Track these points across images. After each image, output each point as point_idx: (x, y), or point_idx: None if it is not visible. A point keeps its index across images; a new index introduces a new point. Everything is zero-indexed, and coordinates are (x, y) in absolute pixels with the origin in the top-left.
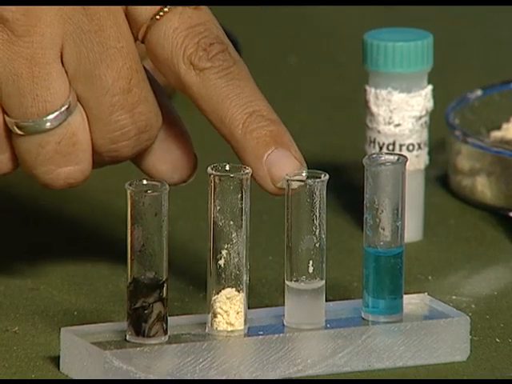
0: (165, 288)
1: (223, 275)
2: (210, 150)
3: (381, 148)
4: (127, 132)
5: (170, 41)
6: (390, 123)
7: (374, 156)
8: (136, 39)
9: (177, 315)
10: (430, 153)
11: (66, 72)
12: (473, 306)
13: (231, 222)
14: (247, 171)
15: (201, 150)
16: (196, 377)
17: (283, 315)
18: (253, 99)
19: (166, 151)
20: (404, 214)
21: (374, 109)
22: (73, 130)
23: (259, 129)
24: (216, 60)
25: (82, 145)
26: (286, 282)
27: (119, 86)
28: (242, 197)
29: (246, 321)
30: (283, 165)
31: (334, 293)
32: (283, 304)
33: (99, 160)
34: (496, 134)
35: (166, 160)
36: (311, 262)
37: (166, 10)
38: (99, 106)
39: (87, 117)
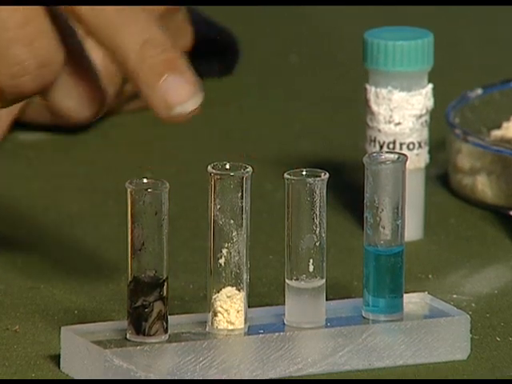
0: (165, 287)
1: (223, 274)
2: (210, 149)
3: (381, 147)
4: (27, 66)
5: None
6: (390, 122)
7: (375, 155)
8: None
9: (177, 314)
10: (430, 152)
11: None
12: (473, 304)
13: (231, 221)
14: (247, 170)
15: (200, 149)
16: (196, 376)
17: (283, 314)
18: (146, 27)
19: (71, 86)
20: (404, 213)
21: (374, 107)
22: None
23: (153, 57)
24: None
25: None
26: (287, 280)
27: (15, 20)
28: (242, 195)
29: (246, 319)
30: (177, 90)
31: (334, 291)
32: (283, 303)
33: (3, 98)
34: (496, 133)
35: (71, 95)
36: (311, 260)
37: None
38: None
39: None
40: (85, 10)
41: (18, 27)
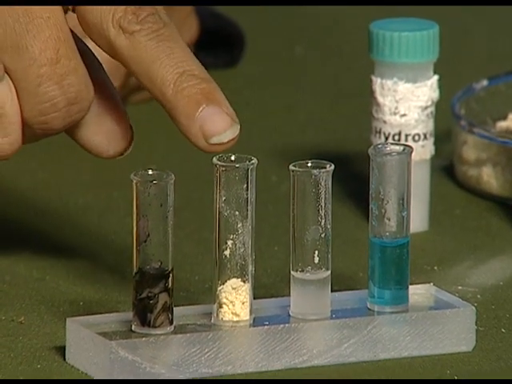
0: (170, 278)
1: (229, 265)
2: None
3: (386, 138)
4: (56, 103)
5: (99, 6)
6: (395, 113)
7: (380, 146)
8: (67, 9)
9: (182, 305)
10: (435, 143)
11: None
12: (478, 296)
13: (236, 213)
14: (253, 161)
15: None
16: (201, 367)
17: (289, 305)
18: (183, 59)
19: (99, 124)
20: (409, 205)
21: (379, 99)
22: (0, 102)
23: (190, 87)
24: (145, 22)
25: (9, 117)
26: (292, 272)
27: (46, 57)
28: (247, 187)
29: (251, 311)
30: (215, 121)
31: (339, 283)
32: (289, 294)
33: (30, 133)
34: (502, 124)
35: (100, 132)
36: (317, 252)
37: None
38: (27, 77)
39: (15, 88)
40: (121, 41)
41: (50, 64)
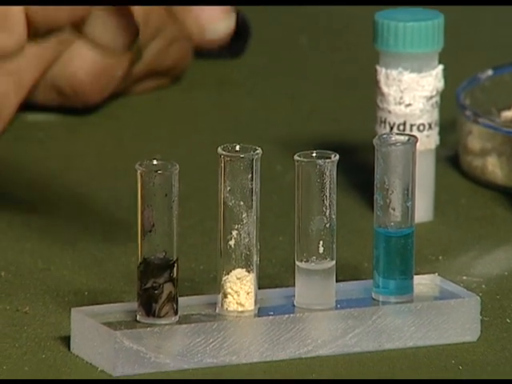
0: (175, 268)
1: (233, 256)
2: (220, 131)
3: (391, 128)
4: None
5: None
6: (400, 103)
7: (385, 136)
8: None
9: (187, 295)
10: (440, 133)
11: None
12: (483, 286)
13: (241, 203)
14: (257, 151)
15: (210, 131)
16: (206, 357)
17: (293, 296)
18: None
19: (105, 19)
20: (414, 195)
21: (384, 89)
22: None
23: None
24: None
25: (15, 14)
26: (297, 262)
27: None
28: (252, 177)
29: (256, 301)
30: (210, 10)
31: (344, 273)
32: (293, 284)
33: (36, 30)
34: (507, 114)
35: (106, 28)
36: (321, 242)
37: None
38: None
39: None
40: None
41: None
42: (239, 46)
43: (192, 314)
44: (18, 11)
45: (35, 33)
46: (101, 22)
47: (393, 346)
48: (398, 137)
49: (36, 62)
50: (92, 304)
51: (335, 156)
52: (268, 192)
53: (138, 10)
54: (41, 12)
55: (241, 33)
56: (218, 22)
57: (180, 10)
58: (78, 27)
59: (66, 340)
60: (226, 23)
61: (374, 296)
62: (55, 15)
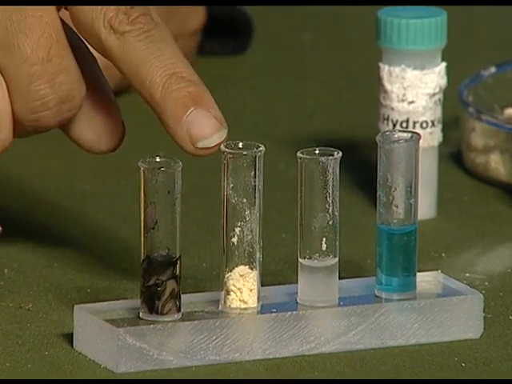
0: (178, 265)
1: (236, 253)
2: None
3: (394, 125)
4: (47, 102)
5: (90, 6)
6: (403, 100)
7: (388, 133)
8: (60, 8)
9: (190, 293)
10: (443, 130)
11: None
12: (486, 283)
13: (244, 200)
14: (260, 149)
15: None
16: (209, 354)
17: (296, 293)
18: (173, 61)
19: (91, 120)
20: (417, 192)
21: (387, 86)
22: None
23: (178, 90)
24: (136, 23)
25: (1, 114)
26: (300, 259)
27: (38, 56)
28: (255, 174)
29: (259, 298)
30: (202, 125)
31: (347, 270)
32: (296, 281)
33: (21, 129)
34: (510, 111)
35: (91, 128)
36: (324, 239)
37: None
38: (18, 75)
39: (7, 86)
40: (112, 41)
41: (41, 63)
42: (243, 43)
43: (195, 311)
44: (4, 112)
45: (21, 133)
46: (86, 122)
47: (396, 343)
48: (400, 134)
49: None
50: (95, 301)
51: (338, 153)
52: (271, 189)
53: None
54: (28, 116)
55: (244, 30)
56: (210, 136)
57: (171, 121)
58: (63, 128)
59: (69, 337)
60: (218, 136)
61: (376, 293)
62: (43, 120)
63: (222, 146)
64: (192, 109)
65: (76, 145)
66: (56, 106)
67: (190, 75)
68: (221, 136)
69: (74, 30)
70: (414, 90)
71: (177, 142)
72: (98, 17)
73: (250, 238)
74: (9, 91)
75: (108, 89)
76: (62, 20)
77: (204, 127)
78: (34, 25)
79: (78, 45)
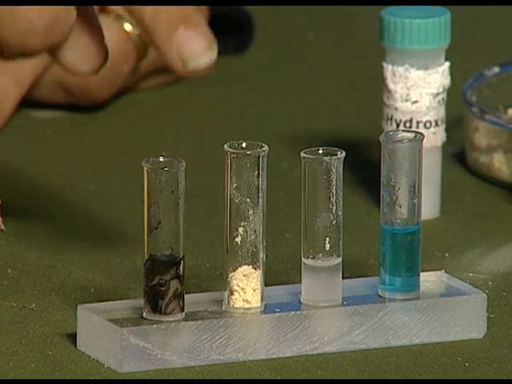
0: (181, 265)
1: (240, 252)
2: (226, 127)
3: (398, 125)
4: (35, 25)
5: None
6: (407, 100)
7: (391, 133)
8: None
9: (193, 292)
10: (446, 130)
11: None
12: (490, 283)
13: (248, 200)
14: (264, 148)
15: (216, 127)
16: (213, 354)
17: (300, 292)
18: None
19: (78, 43)
20: (421, 192)
21: (391, 86)
22: None
23: (168, 11)
24: None
25: None
26: (303, 259)
27: None
28: (258, 174)
29: (262, 298)
30: (192, 43)
31: (350, 270)
32: (300, 281)
33: (9, 53)
34: None
35: (78, 51)
36: (328, 239)
37: None
38: None
39: None
40: None
41: None
42: (244, 41)
43: (198, 311)
44: None
45: (8, 56)
46: (74, 46)
47: (399, 343)
48: (404, 134)
49: (36, 59)
50: (98, 301)
51: (341, 153)
52: (274, 189)
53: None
54: (14, 39)
55: (245, 28)
56: (200, 55)
57: (161, 41)
58: (52, 52)
59: (73, 337)
60: (208, 56)
61: (380, 293)
62: (31, 44)
63: (225, 145)
64: (181, 27)
65: (60, 67)
66: (44, 30)
67: (180, 4)
68: (211, 56)
69: None
70: (418, 89)
71: (168, 64)
72: None
73: (253, 237)
74: None
75: (93, 12)
76: None
77: (194, 46)
78: None
79: None
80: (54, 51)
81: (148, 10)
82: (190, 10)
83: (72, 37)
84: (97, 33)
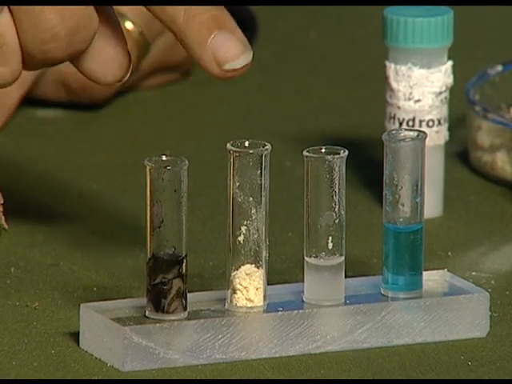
0: (184, 264)
1: (242, 251)
2: (229, 126)
3: (400, 124)
4: (57, 33)
5: None
6: (409, 99)
7: (394, 132)
8: None
9: (196, 291)
10: (449, 129)
11: None
12: (492, 282)
13: (250, 198)
14: (266, 147)
15: (219, 126)
16: (215, 353)
17: (302, 291)
18: None
19: (99, 51)
20: (424, 190)
21: (393, 84)
22: (0, 32)
23: (201, 14)
24: None
25: (10, 46)
26: (306, 258)
27: None
28: (261, 173)
29: (265, 297)
30: (228, 47)
31: (353, 269)
32: (302, 280)
33: (31, 62)
34: None
35: (98, 59)
36: (330, 238)
37: None
38: (28, 7)
39: (16, 18)
40: None
41: None
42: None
43: (201, 310)
44: (12, 43)
45: (30, 65)
46: (93, 54)
47: (402, 342)
48: (407, 132)
49: None
50: (101, 300)
51: (344, 152)
52: (277, 188)
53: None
54: (37, 47)
55: (248, 26)
56: (237, 58)
57: (196, 45)
58: (74, 61)
59: (75, 336)
60: (245, 58)
61: (383, 292)
62: (53, 52)
63: (228, 144)
64: (216, 32)
65: (83, 75)
66: (66, 37)
67: (210, 4)
68: (247, 57)
69: None
70: (421, 88)
71: (203, 66)
72: None
73: (256, 236)
74: (18, 22)
75: (117, 20)
76: None
77: (230, 49)
78: None
79: None
80: (76, 60)
81: (180, 13)
82: (222, 11)
83: (94, 45)
84: (119, 41)
